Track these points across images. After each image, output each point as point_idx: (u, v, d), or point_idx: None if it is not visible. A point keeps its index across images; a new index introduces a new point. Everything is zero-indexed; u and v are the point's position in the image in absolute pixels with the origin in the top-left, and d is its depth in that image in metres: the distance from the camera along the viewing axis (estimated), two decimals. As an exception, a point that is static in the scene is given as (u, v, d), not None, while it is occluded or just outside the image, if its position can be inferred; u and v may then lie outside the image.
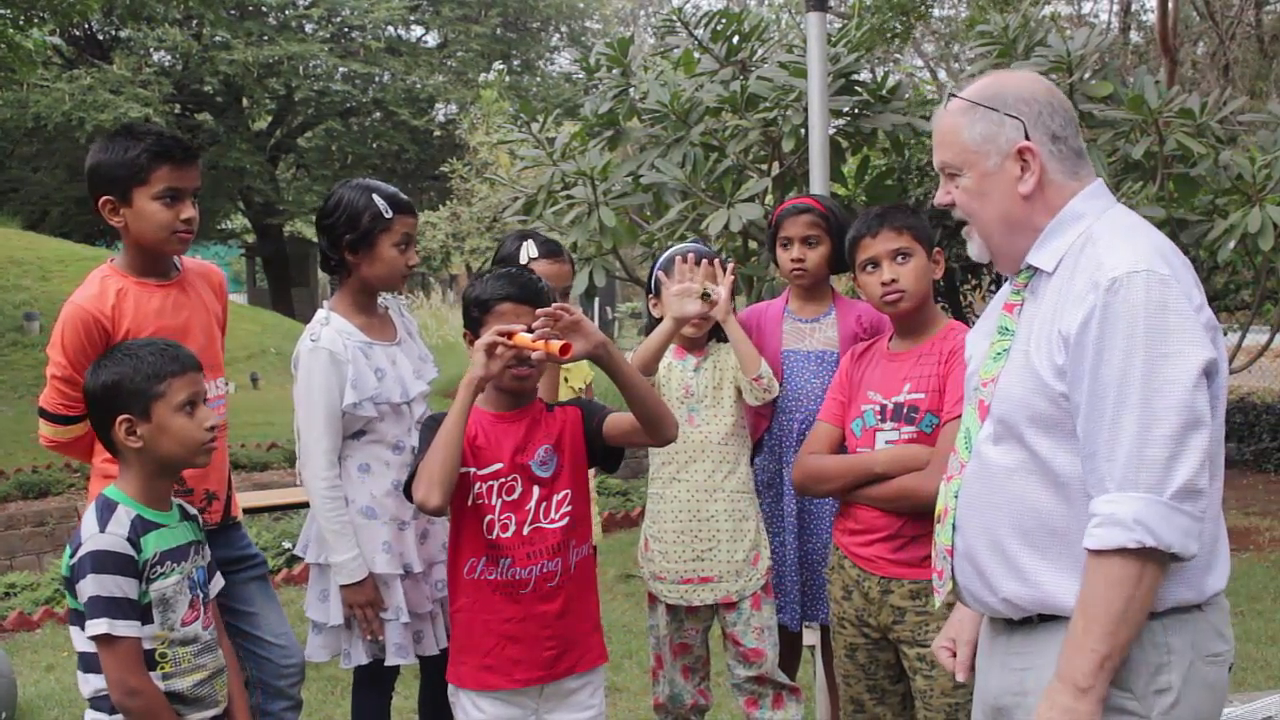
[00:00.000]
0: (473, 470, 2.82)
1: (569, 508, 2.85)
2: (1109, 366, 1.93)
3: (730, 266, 3.46)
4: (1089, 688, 1.91)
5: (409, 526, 3.32)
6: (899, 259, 3.08)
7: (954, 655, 2.41)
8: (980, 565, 2.14)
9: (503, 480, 2.83)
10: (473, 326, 2.90)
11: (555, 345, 2.64)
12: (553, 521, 2.83)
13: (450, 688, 2.95)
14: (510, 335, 2.71)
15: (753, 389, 3.41)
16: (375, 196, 3.26)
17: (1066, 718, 1.92)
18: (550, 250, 3.70)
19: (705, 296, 3.34)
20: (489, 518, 2.82)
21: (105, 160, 2.98)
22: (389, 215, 3.26)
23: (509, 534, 2.81)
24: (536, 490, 2.84)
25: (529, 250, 3.64)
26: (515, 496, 2.83)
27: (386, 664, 3.32)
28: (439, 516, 2.96)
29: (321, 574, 3.34)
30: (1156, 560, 1.90)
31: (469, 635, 2.87)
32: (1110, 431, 1.92)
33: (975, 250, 2.25)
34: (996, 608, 2.14)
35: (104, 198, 2.99)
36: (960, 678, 2.40)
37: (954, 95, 2.19)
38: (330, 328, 3.27)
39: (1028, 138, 2.10)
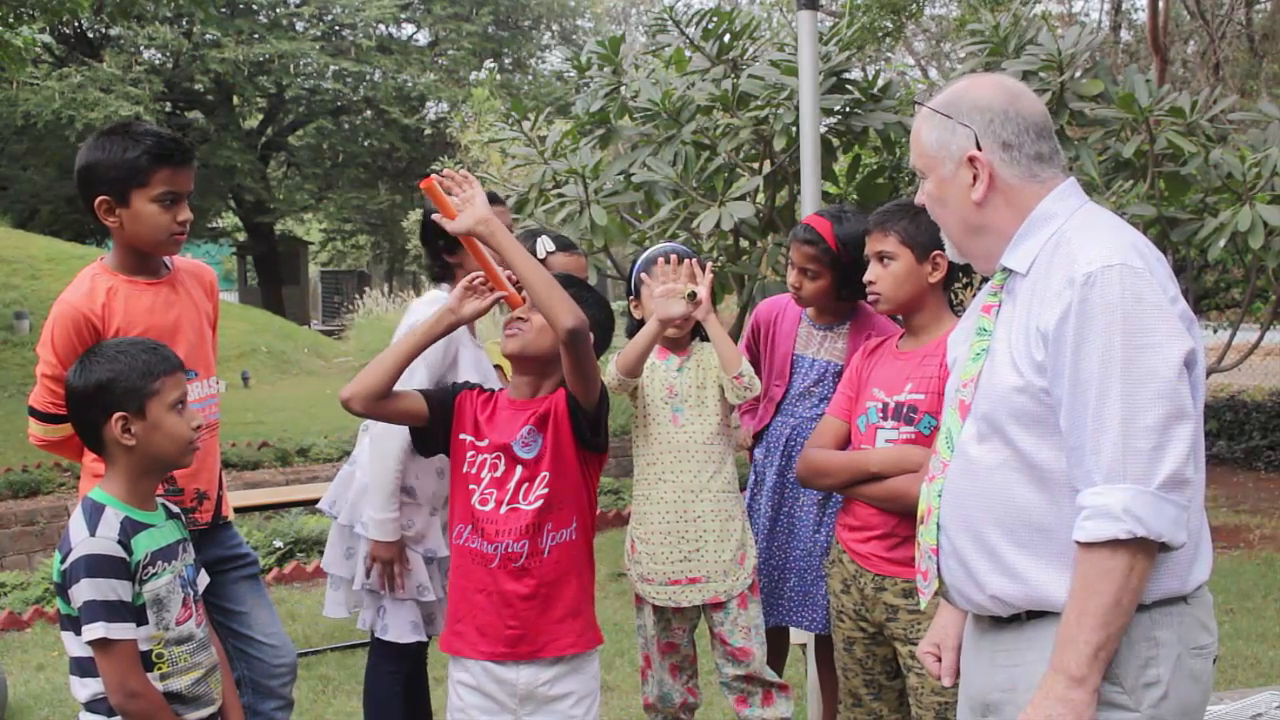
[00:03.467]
0: (470, 439, 2.91)
1: (545, 490, 2.85)
2: (1089, 360, 1.94)
3: (708, 266, 3.44)
4: (1083, 677, 1.92)
5: (438, 514, 3.53)
6: (883, 261, 3.09)
7: (939, 660, 2.42)
8: (967, 563, 2.15)
9: (490, 456, 2.89)
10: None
11: (512, 292, 2.87)
12: (530, 503, 2.85)
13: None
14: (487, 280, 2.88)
15: (734, 387, 3.39)
16: None
17: (1062, 708, 1.93)
18: (564, 244, 3.86)
19: (692, 296, 3.34)
20: (473, 486, 2.89)
21: (102, 160, 2.94)
22: None
23: (488, 508, 2.87)
24: (519, 470, 2.87)
25: (545, 245, 3.77)
26: (499, 474, 2.88)
27: (403, 642, 3.49)
28: (353, 415, 3.10)
29: (347, 534, 3.54)
30: (1146, 550, 1.92)
31: (452, 599, 2.95)
32: (1094, 425, 1.93)
33: (950, 251, 2.31)
34: (985, 605, 2.15)
35: (100, 198, 2.95)
36: (946, 682, 2.41)
37: (918, 103, 2.26)
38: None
39: (979, 146, 2.13)
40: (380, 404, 2.88)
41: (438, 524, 3.52)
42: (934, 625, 2.47)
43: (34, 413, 3.06)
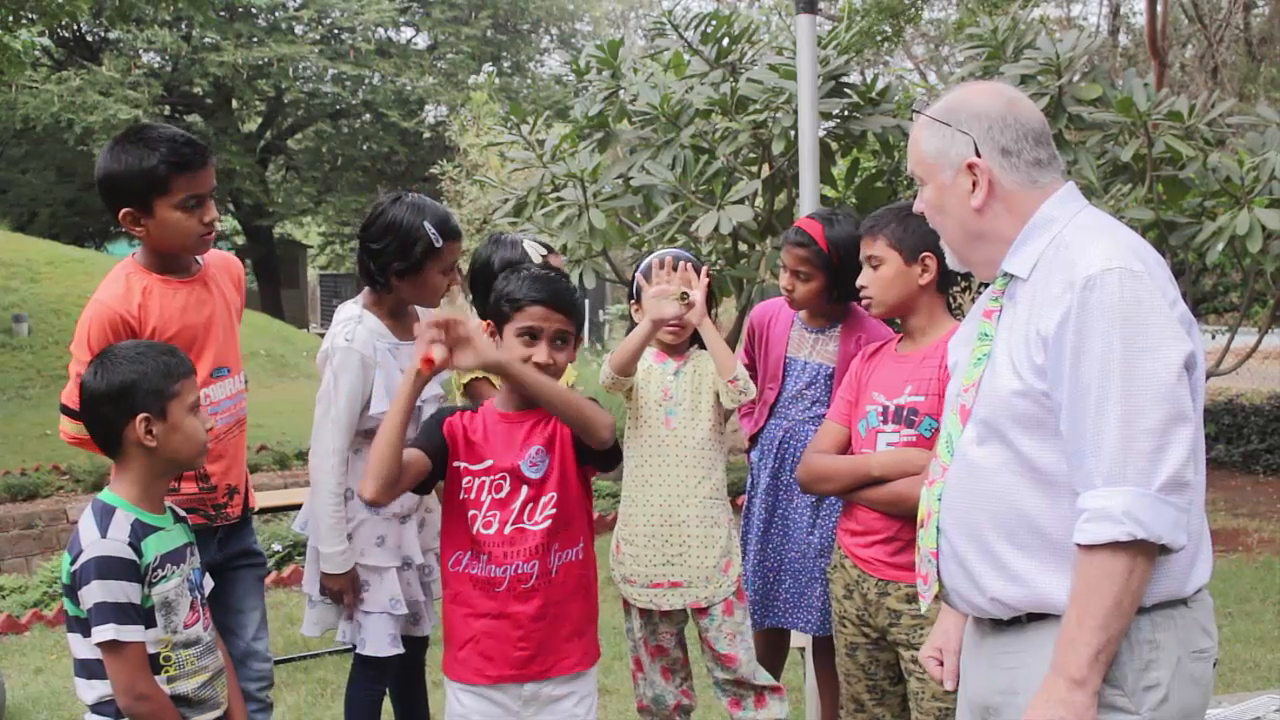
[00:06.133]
0: (464, 465, 2.85)
1: (553, 510, 2.84)
2: (1089, 364, 1.95)
3: (704, 270, 3.46)
4: (1084, 679, 1.93)
5: (410, 519, 3.41)
6: (873, 264, 3.12)
7: (941, 664, 2.43)
8: (967, 566, 2.16)
9: (493, 478, 2.84)
10: (499, 320, 2.88)
11: (431, 355, 2.61)
12: (536, 523, 2.83)
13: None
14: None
15: (729, 390, 3.40)
16: (427, 224, 3.23)
17: (1063, 710, 1.93)
18: (547, 247, 3.83)
19: (683, 297, 3.36)
20: (473, 512, 2.84)
21: (119, 170, 2.90)
22: (439, 245, 3.27)
23: (491, 531, 2.83)
24: (525, 490, 2.84)
25: (536, 250, 3.67)
26: (503, 495, 2.84)
27: (382, 656, 3.38)
28: (377, 507, 3.03)
29: (317, 553, 3.43)
30: (1146, 553, 1.92)
31: (451, 626, 2.91)
32: (1094, 427, 1.94)
33: (951, 259, 2.32)
34: (985, 608, 2.15)
35: (124, 209, 2.92)
36: (949, 686, 2.42)
37: (916, 111, 2.28)
38: (364, 327, 3.30)
39: (978, 154, 2.14)
40: (398, 485, 2.76)
41: (410, 530, 3.41)
42: (935, 629, 2.47)
43: (66, 410, 3.02)
